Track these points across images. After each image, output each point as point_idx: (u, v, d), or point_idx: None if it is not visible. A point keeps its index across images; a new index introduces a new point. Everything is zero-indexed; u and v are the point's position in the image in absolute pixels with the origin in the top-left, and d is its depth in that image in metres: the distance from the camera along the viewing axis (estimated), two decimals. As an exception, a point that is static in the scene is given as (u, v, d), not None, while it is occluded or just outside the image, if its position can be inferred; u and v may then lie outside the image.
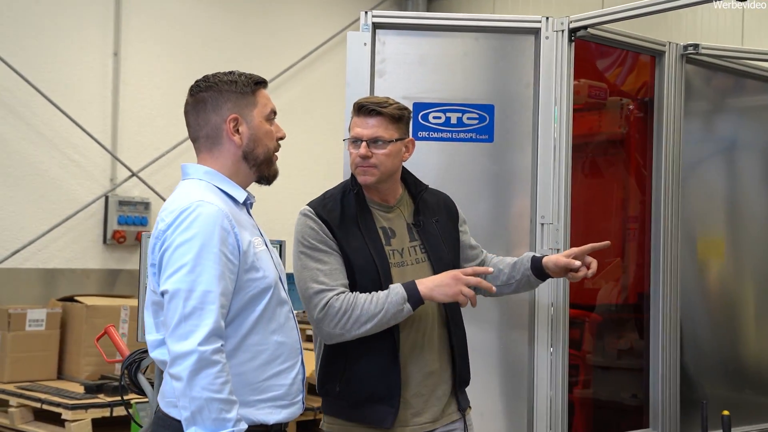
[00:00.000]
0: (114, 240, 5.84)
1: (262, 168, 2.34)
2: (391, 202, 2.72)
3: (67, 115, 5.66)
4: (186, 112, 2.33)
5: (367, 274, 2.62)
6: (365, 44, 3.17)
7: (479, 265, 2.81)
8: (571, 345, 4.51)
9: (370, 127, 2.63)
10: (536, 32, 3.22)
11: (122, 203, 5.85)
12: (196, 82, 2.34)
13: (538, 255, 2.79)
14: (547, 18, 3.21)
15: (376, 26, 3.19)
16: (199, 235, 2.12)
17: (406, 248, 2.69)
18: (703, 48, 3.59)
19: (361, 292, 2.60)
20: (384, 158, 2.63)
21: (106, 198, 5.88)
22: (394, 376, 2.62)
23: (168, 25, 6.25)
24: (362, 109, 2.64)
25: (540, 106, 3.19)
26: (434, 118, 3.20)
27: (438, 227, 2.73)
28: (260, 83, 2.36)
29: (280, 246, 3.25)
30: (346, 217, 2.66)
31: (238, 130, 2.28)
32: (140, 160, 6.03)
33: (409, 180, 2.78)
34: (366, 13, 3.17)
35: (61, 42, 5.72)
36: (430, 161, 3.18)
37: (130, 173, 5.94)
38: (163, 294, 2.13)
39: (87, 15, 5.88)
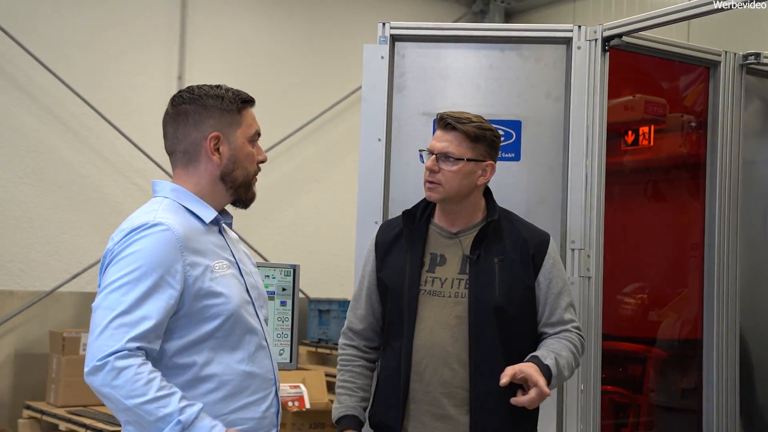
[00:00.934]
0: (175, 264, 5.82)
1: (239, 191, 2.20)
2: (454, 228, 2.57)
3: (130, 140, 5.69)
4: (165, 123, 2.20)
5: (395, 296, 2.56)
6: (382, 57, 2.99)
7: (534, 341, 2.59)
8: (632, 383, 4.20)
9: (444, 141, 2.52)
10: (568, 42, 2.98)
11: (184, 227, 5.82)
12: (180, 92, 2.21)
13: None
14: (579, 26, 2.96)
15: (394, 38, 3.01)
16: (139, 257, 1.98)
17: (450, 279, 2.53)
18: (765, 57, 3.27)
19: (390, 316, 2.59)
20: (450, 176, 2.50)
21: (169, 222, 5.87)
22: (399, 407, 2.53)
23: (231, 47, 6.25)
24: (441, 121, 2.54)
25: (571, 122, 2.94)
26: (457, 135, 2.98)
27: (500, 266, 2.51)
28: (247, 102, 2.21)
29: (294, 271, 3.09)
30: (401, 236, 2.62)
31: (218, 149, 2.14)
32: (203, 184, 6.01)
33: (488, 208, 2.59)
34: (383, 24, 3.00)
35: (126, 67, 5.76)
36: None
37: (191, 197, 5.93)
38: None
39: (152, 40, 5.93)
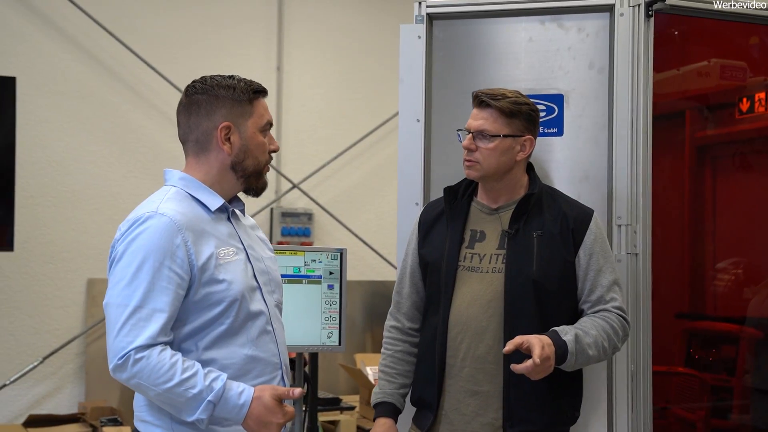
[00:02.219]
0: (279, 250, 5.96)
1: (250, 180, 2.26)
2: (495, 204, 2.57)
3: (231, 131, 5.86)
4: (178, 112, 2.28)
5: (434, 272, 2.58)
6: (419, 37, 2.96)
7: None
8: (725, 364, 4.00)
9: (479, 118, 2.53)
10: (610, 9, 2.85)
11: (285, 215, 5.95)
12: (193, 82, 2.28)
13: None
14: (622, -7, 2.84)
15: (431, 17, 2.98)
16: (142, 249, 2.06)
17: (488, 255, 2.53)
18: None
19: (429, 291, 2.62)
20: (487, 153, 2.51)
21: (271, 210, 6.02)
22: (435, 384, 2.55)
23: (329, 35, 6.31)
24: (476, 99, 2.55)
25: (616, 93, 2.82)
26: (497, 112, 2.92)
27: (539, 240, 2.49)
28: (259, 92, 2.27)
29: (341, 255, 3.12)
30: (442, 214, 2.65)
31: (229, 138, 2.19)
32: (304, 171, 6.12)
33: (530, 184, 2.59)
34: (419, 3, 2.97)
35: (226, 61, 5.92)
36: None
37: (291, 185, 6.05)
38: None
39: (250, 33, 6.07)
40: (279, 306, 2.32)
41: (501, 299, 2.49)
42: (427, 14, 2.96)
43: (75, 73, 5.52)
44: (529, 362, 2.27)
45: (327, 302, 3.08)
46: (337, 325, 3.08)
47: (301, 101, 6.18)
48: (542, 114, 2.88)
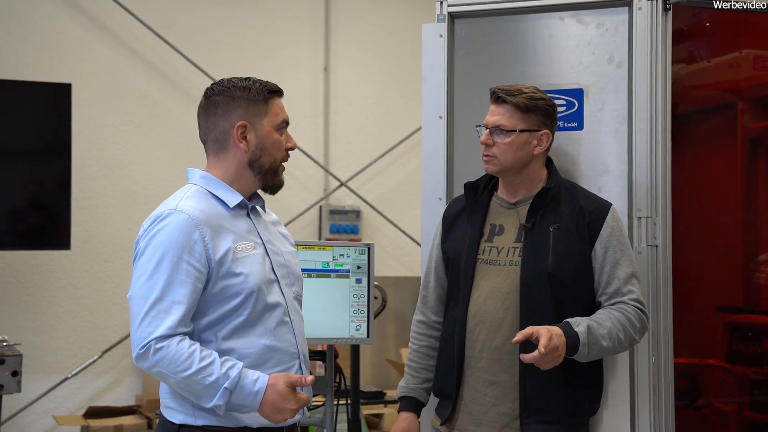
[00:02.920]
0: (329, 248, 6.08)
1: (266, 177, 2.35)
2: (514, 199, 2.63)
3: (280, 131, 5.99)
4: (198, 114, 2.39)
5: (454, 265, 2.65)
6: (441, 36, 3.04)
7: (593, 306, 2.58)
8: (766, 358, 3.96)
9: (496, 114, 2.60)
10: (629, 4, 2.87)
11: (333, 212, 6.07)
12: (212, 84, 2.39)
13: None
14: (640, -13, 2.85)
15: (453, 16, 3.04)
16: (162, 244, 2.17)
17: (506, 248, 2.59)
18: None
19: (450, 284, 2.69)
20: (504, 148, 2.58)
21: (320, 208, 6.14)
22: (455, 374, 2.61)
23: (376, 35, 6.39)
24: (493, 95, 2.62)
25: (635, 87, 2.84)
26: (518, 107, 2.96)
27: (555, 234, 2.54)
28: (275, 92, 2.36)
29: (368, 250, 3.20)
30: (464, 209, 2.72)
31: (245, 137, 2.29)
32: (351, 169, 6.22)
33: (549, 178, 2.64)
34: (441, 3, 3.04)
35: (274, 62, 6.06)
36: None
37: (339, 183, 6.15)
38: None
39: (298, 34, 6.19)
40: (298, 298, 2.40)
41: (517, 292, 2.54)
42: (449, 13, 3.03)
43: (130, 77, 5.72)
44: (535, 352, 2.32)
45: (355, 296, 3.16)
46: (365, 318, 3.16)
47: (348, 100, 6.29)
48: (562, 108, 2.92)
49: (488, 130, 2.60)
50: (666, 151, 2.82)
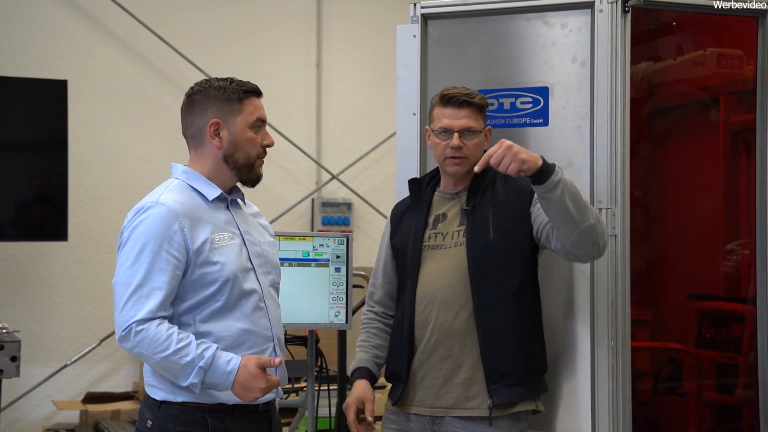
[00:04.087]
0: (320, 239, 6.25)
1: (242, 172, 2.50)
2: (456, 189, 2.79)
3: (273, 128, 6.15)
4: (181, 111, 2.54)
5: (402, 255, 2.80)
6: (414, 36, 3.18)
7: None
8: (733, 343, 4.13)
9: (462, 117, 2.73)
10: (591, 6, 3.03)
11: (325, 204, 6.24)
12: (194, 84, 2.54)
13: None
14: (601, -10, 3.01)
15: (426, 17, 3.19)
16: (143, 234, 2.34)
17: (450, 232, 2.74)
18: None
19: (399, 275, 2.82)
20: (474, 148, 2.74)
21: (312, 200, 6.31)
22: (406, 354, 2.71)
23: (367, 32, 6.54)
24: (452, 99, 2.74)
25: (596, 85, 3.00)
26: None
27: (493, 211, 2.70)
28: (250, 92, 2.50)
29: (347, 240, 3.37)
30: (410, 207, 2.87)
31: (218, 134, 2.44)
32: (343, 163, 6.39)
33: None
34: (414, 5, 3.19)
35: (267, 59, 6.23)
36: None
37: (331, 176, 6.32)
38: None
39: (290, 31, 6.36)
40: (274, 285, 2.56)
41: (465, 268, 2.69)
42: (422, 14, 3.18)
43: (126, 73, 5.89)
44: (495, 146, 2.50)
45: (334, 284, 3.33)
46: (344, 305, 3.33)
47: (339, 96, 6.45)
48: (529, 106, 3.08)
49: (456, 133, 2.73)
50: (625, 146, 2.97)
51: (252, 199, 6.55)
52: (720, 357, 4.09)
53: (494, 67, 3.13)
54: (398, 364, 2.77)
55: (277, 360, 2.36)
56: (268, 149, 2.56)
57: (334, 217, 6.22)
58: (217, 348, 2.32)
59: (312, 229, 6.26)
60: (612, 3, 2.98)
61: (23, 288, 5.61)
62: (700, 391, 3.84)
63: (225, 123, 2.45)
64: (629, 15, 2.99)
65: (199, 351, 2.29)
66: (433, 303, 2.71)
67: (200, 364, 2.28)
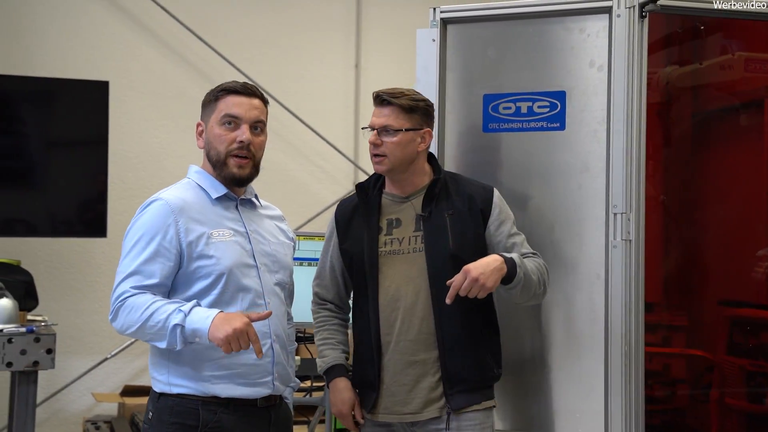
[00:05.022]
0: (358, 238, 6.30)
1: (219, 169, 2.58)
2: (404, 193, 2.79)
3: (311, 128, 6.23)
4: None
5: (358, 262, 2.79)
6: (433, 40, 3.23)
7: None
8: (763, 351, 4.08)
9: (382, 116, 2.79)
10: (609, 11, 3.03)
11: (362, 204, 6.28)
12: None
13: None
14: (620, -5, 3.01)
15: (446, 22, 3.23)
16: (142, 227, 2.44)
17: (407, 238, 2.75)
18: None
19: (356, 281, 2.77)
20: (393, 147, 2.75)
21: (349, 200, 6.36)
22: (375, 361, 2.74)
23: (406, 33, 6.54)
24: (377, 98, 2.82)
25: (613, 90, 3.01)
26: (504, 108, 3.15)
27: (451, 219, 2.72)
28: (225, 90, 2.58)
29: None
30: (358, 210, 2.83)
31: (202, 135, 2.55)
32: (380, 164, 6.43)
33: (434, 171, 2.83)
34: (434, 9, 3.23)
35: (306, 60, 6.30)
36: (501, 153, 3.14)
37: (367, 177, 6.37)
38: None
39: (329, 32, 6.42)
40: (280, 284, 2.62)
41: (425, 275, 2.72)
42: (441, 19, 3.22)
43: (167, 74, 6.00)
44: (459, 275, 2.55)
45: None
46: (358, 305, 3.36)
47: (378, 96, 6.49)
48: (546, 110, 3.10)
49: (375, 130, 2.77)
50: (641, 151, 2.97)
51: (290, 198, 6.66)
52: (750, 365, 4.05)
53: (512, 71, 3.15)
54: (367, 371, 2.77)
55: (265, 313, 2.40)
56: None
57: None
58: (197, 302, 2.38)
59: (348, 229, 6.31)
60: (629, 8, 2.98)
61: (67, 282, 5.76)
62: (722, 399, 3.81)
63: (204, 123, 2.56)
64: (646, 20, 2.99)
65: (174, 306, 2.34)
66: (397, 309, 2.73)
67: (181, 307, 2.33)
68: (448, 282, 2.58)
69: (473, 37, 3.21)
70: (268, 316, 2.40)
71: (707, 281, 4.25)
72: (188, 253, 2.44)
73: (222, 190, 2.55)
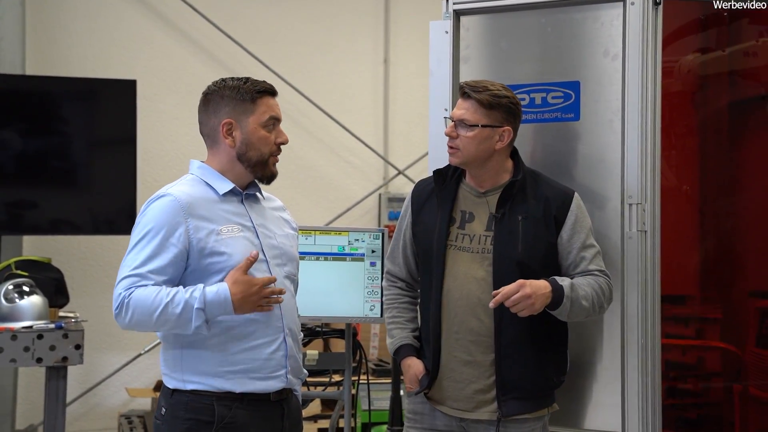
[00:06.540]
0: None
1: (256, 169, 2.58)
2: (482, 188, 2.78)
3: (340, 124, 6.24)
4: (198, 110, 2.63)
5: (427, 250, 2.79)
6: (446, 32, 3.20)
7: None
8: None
9: (461, 108, 2.75)
10: (623, 0, 2.99)
11: (392, 199, 6.29)
12: (211, 83, 2.62)
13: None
14: (633, -17, 2.97)
15: (458, 13, 3.21)
16: (149, 222, 2.44)
17: (478, 236, 2.74)
18: None
19: (423, 268, 2.82)
20: (466, 141, 2.72)
21: (379, 195, 6.37)
22: (431, 355, 2.75)
23: (434, 28, 6.56)
24: (460, 90, 2.77)
25: (627, 79, 2.96)
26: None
27: (523, 224, 2.69)
28: (264, 91, 2.57)
29: (382, 235, 3.41)
30: (434, 194, 2.83)
31: (231, 133, 2.53)
32: (409, 158, 6.43)
33: (515, 170, 2.79)
34: (447, 1, 3.21)
35: (334, 56, 6.32)
36: (515, 144, 3.11)
37: (397, 172, 6.37)
38: None
39: (358, 28, 6.43)
40: (290, 277, 2.62)
41: (490, 278, 2.69)
42: (454, 10, 3.19)
43: (197, 72, 6.05)
44: (496, 292, 2.54)
45: (369, 278, 3.38)
46: (379, 299, 3.37)
47: (407, 91, 6.48)
48: (560, 100, 3.06)
49: (453, 122, 2.74)
50: (656, 141, 2.93)
51: (320, 193, 6.67)
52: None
53: (525, 61, 3.13)
54: (425, 363, 2.79)
55: (253, 253, 2.43)
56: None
57: (400, 212, 6.25)
58: (204, 287, 2.39)
59: (379, 224, 6.32)
60: (643, -4, 2.94)
61: (101, 279, 5.84)
62: (745, 391, 3.74)
63: (238, 122, 2.52)
64: (660, 8, 2.95)
65: (187, 295, 2.35)
66: (459, 307, 2.72)
67: (196, 306, 2.34)
68: (496, 291, 2.57)
69: (486, 28, 3.18)
70: (273, 281, 2.45)
71: (743, 273, 4.18)
72: (198, 250, 2.43)
73: (228, 185, 2.56)
